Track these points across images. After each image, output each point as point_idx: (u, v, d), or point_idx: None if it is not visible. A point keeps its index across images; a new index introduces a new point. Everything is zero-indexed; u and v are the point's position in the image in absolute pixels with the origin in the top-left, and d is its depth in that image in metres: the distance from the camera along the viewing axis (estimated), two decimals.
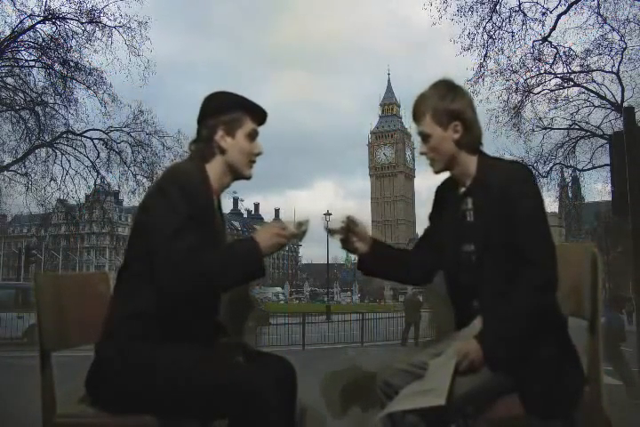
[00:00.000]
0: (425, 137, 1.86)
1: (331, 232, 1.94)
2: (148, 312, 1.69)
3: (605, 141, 15.32)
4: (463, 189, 1.87)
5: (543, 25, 15.53)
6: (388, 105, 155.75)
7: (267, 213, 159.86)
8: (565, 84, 17.07)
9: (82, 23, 16.58)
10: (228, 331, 1.95)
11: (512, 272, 1.69)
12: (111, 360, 1.69)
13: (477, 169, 1.83)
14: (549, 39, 15.82)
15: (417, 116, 1.88)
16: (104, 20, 16.73)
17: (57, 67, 16.83)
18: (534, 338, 1.67)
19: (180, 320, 1.71)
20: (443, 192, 1.97)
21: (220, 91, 1.94)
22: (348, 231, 1.91)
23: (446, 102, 1.82)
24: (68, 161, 18.49)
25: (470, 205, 1.83)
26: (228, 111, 1.86)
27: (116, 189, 20.24)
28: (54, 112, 17.55)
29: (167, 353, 1.67)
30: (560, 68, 16.55)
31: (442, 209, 1.95)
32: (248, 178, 1.93)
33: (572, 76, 16.76)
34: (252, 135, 1.90)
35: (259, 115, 1.93)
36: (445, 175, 1.95)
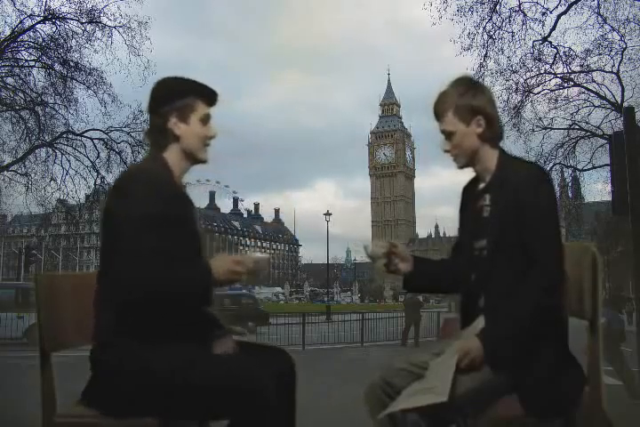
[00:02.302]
0: (448, 134, 1.87)
1: (374, 259, 1.95)
2: (132, 312, 1.65)
3: (605, 141, 15.27)
4: (483, 185, 1.89)
5: (543, 25, 15.50)
6: (388, 105, 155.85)
7: (267, 213, 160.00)
8: (565, 84, 17.03)
9: (82, 23, 16.55)
10: (221, 322, 1.93)
11: (519, 272, 1.69)
12: (106, 365, 1.68)
13: (497, 165, 1.84)
14: (549, 39, 15.79)
15: (439, 115, 1.88)
16: (104, 20, 16.68)
17: (57, 67, 16.79)
18: (537, 338, 1.67)
19: (168, 315, 1.68)
20: (467, 191, 1.98)
21: (169, 76, 1.91)
22: (390, 256, 1.92)
23: (468, 98, 1.84)
24: (68, 161, 18.46)
25: (488, 201, 1.84)
26: (179, 97, 1.83)
27: None
28: (54, 112, 17.51)
29: (163, 354, 1.66)
30: (560, 68, 16.53)
31: (465, 207, 1.96)
32: (204, 162, 1.92)
33: (572, 76, 16.74)
34: (206, 119, 1.88)
35: (210, 97, 1.90)
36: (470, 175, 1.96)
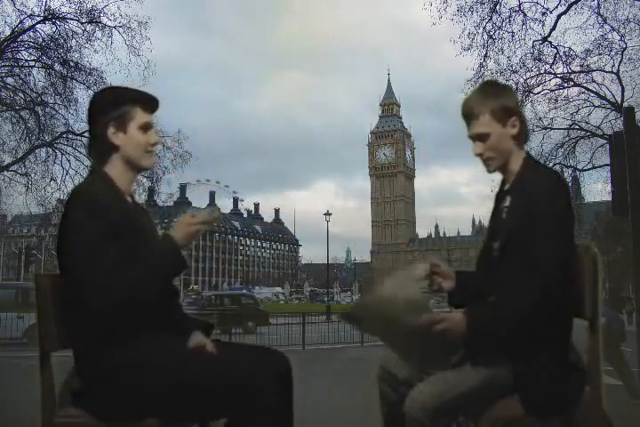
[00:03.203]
0: (482, 137, 1.87)
1: (415, 280, 1.93)
2: (116, 314, 1.63)
3: (605, 141, 15.28)
4: (507, 187, 1.90)
5: (543, 25, 15.52)
6: (388, 105, 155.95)
7: (267, 214, 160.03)
8: (565, 84, 17.05)
9: (82, 23, 16.56)
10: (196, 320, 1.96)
11: (525, 274, 1.68)
12: (95, 369, 1.67)
13: (521, 167, 1.85)
14: (549, 39, 15.81)
15: (471, 118, 1.88)
16: (104, 20, 16.70)
17: (57, 67, 16.81)
18: (537, 338, 1.67)
19: (150, 306, 1.69)
20: (497, 195, 1.97)
21: (108, 86, 1.93)
22: (432, 276, 1.92)
23: (503, 99, 1.86)
24: (68, 161, 18.45)
25: (508, 203, 1.85)
26: (116, 106, 1.82)
27: None
28: (54, 112, 17.52)
29: (151, 355, 1.66)
30: (560, 68, 16.55)
31: (494, 211, 1.96)
32: (149, 168, 1.93)
33: (572, 76, 16.76)
34: (146, 127, 1.86)
35: (150, 104, 1.89)
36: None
